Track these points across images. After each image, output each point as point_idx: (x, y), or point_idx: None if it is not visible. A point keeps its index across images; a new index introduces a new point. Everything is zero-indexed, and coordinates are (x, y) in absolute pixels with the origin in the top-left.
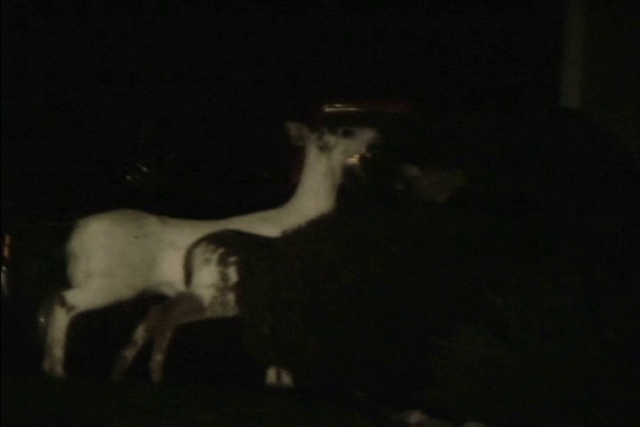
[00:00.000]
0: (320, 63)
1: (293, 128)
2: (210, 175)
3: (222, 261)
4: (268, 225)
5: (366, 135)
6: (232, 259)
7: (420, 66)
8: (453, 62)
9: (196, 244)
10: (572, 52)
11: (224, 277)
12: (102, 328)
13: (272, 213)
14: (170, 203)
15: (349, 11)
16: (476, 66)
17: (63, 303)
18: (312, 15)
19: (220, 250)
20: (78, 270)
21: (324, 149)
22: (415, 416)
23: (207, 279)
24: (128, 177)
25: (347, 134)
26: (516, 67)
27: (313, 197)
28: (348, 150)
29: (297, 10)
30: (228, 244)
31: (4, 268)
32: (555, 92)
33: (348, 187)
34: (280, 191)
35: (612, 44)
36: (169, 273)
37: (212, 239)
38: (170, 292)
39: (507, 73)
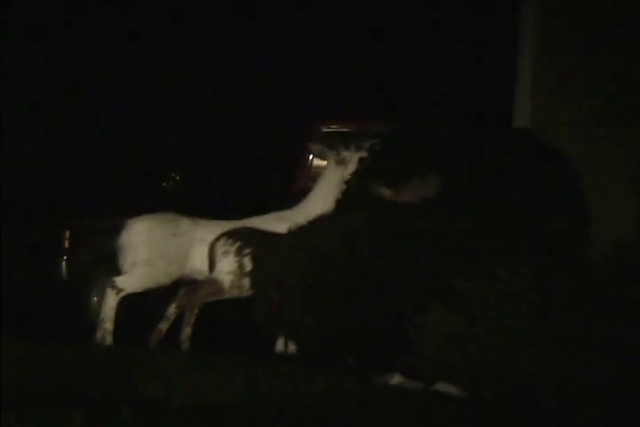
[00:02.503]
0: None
1: (316, 149)
2: (228, 182)
3: (239, 253)
4: (282, 222)
5: (370, 144)
6: (247, 251)
7: (395, 90)
8: (425, 88)
9: (218, 238)
10: (524, 75)
11: (240, 266)
12: (142, 306)
13: (286, 213)
14: (196, 204)
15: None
16: (442, 90)
17: (114, 286)
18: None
19: (237, 243)
20: (126, 260)
21: (341, 163)
22: (395, 378)
23: (227, 267)
24: (164, 183)
25: (358, 149)
26: (475, 89)
27: (323, 201)
28: (359, 161)
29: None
30: (244, 238)
31: (64, 256)
32: (509, 113)
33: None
34: (285, 196)
35: (563, 64)
36: (201, 264)
37: (231, 235)
38: (201, 278)
39: (468, 96)
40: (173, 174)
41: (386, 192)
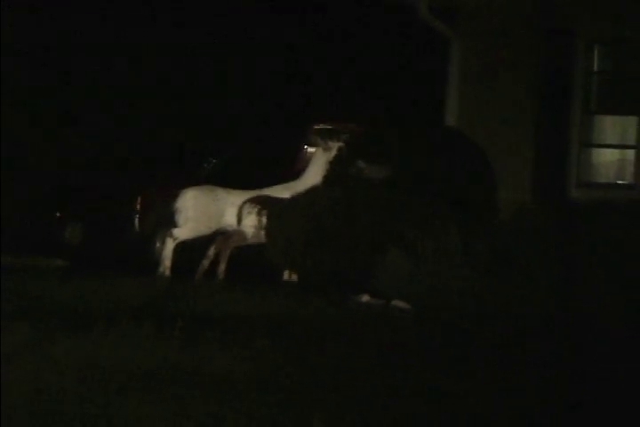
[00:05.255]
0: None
1: (311, 139)
2: (250, 163)
3: (259, 213)
4: (287, 191)
5: (347, 138)
6: (263, 211)
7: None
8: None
9: (244, 202)
10: (453, 87)
11: (259, 221)
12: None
13: (290, 184)
14: (228, 179)
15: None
16: (396, 99)
17: (171, 236)
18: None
19: (258, 206)
20: (180, 218)
21: (327, 149)
22: (364, 298)
23: (249, 222)
24: (205, 165)
25: (339, 140)
26: (418, 98)
27: (314, 176)
28: (339, 149)
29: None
30: (262, 203)
31: (137, 215)
32: (442, 116)
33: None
34: (288, 172)
35: (483, 84)
36: (231, 220)
37: (253, 200)
38: (232, 230)
39: (412, 103)
40: (211, 159)
41: (367, 170)
